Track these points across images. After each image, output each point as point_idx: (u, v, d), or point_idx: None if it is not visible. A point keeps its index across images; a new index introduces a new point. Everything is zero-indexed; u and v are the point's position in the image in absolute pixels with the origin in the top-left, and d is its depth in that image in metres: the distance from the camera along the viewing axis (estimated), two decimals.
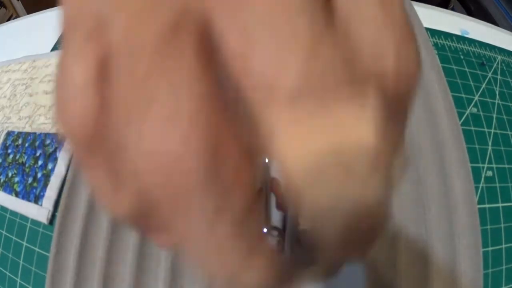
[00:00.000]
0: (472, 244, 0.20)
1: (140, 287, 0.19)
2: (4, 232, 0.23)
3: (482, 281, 0.20)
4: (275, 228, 0.19)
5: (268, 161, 0.20)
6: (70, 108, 0.08)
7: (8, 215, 0.24)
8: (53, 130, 0.26)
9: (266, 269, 0.08)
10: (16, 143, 0.26)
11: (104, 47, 0.07)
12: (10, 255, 0.22)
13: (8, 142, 0.27)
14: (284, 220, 0.20)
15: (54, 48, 0.32)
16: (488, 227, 0.23)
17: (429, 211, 0.21)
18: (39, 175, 0.24)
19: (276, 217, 0.19)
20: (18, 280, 0.22)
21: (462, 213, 0.21)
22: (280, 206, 0.20)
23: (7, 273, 0.22)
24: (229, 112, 0.07)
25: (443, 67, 0.29)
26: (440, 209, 0.21)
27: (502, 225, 0.23)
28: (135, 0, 0.07)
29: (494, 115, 0.28)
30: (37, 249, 0.22)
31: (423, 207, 0.21)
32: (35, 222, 0.23)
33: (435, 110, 0.25)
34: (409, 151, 0.23)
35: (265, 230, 0.19)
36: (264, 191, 0.20)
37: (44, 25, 0.34)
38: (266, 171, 0.20)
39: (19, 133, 0.27)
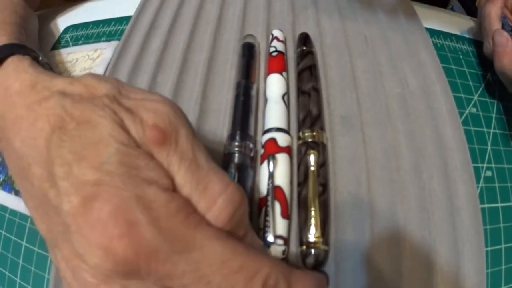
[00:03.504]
0: (475, 248, 0.21)
1: None
2: (3, 232, 0.23)
3: (485, 284, 0.20)
4: (280, 236, 0.19)
5: (273, 169, 0.20)
6: None
7: (7, 215, 0.24)
8: None
9: None
10: None
11: None
12: (10, 255, 0.22)
13: None
14: (289, 228, 0.20)
15: (53, 48, 0.32)
16: (488, 227, 0.23)
17: (433, 216, 0.21)
18: None
19: (280, 225, 0.19)
20: (18, 280, 0.21)
21: (465, 217, 0.21)
22: (284, 214, 0.20)
23: (7, 273, 0.22)
24: None
25: (442, 67, 0.29)
26: (443, 213, 0.21)
27: (502, 225, 0.23)
28: None
29: (493, 115, 0.28)
30: (36, 249, 0.22)
31: (427, 212, 0.21)
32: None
33: (437, 112, 0.25)
34: (413, 155, 0.23)
35: (271, 239, 0.19)
36: (268, 199, 0.20)
37: (44, 25, 0.33)
38: (270, 179, 0.20)
39: None
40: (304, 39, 0.27)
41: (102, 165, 0.12)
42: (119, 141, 0.13)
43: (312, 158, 0.21)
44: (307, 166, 0.21)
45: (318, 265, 0.19)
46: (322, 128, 0.23)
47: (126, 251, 0.11)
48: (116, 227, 0.11)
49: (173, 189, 0.13)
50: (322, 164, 0.21)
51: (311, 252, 0.19)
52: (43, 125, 0.14)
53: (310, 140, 0.22)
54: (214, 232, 0.13)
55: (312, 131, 0.22)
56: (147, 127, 0.14)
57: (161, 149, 0.13)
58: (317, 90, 0.24)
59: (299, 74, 0.25)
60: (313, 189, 0.20)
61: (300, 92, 0.24)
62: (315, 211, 0.19)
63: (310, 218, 0.19)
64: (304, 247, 0.19)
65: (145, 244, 0.12)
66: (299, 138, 0.22)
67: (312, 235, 0.19)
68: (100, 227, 0.12)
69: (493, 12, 0.28)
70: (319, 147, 0.22)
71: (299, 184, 0.21)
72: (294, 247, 0.20)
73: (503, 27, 0.27)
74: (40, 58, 0.22)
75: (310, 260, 0.19)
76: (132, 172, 0.13)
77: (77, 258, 0.12)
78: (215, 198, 0.13)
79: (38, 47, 0.29)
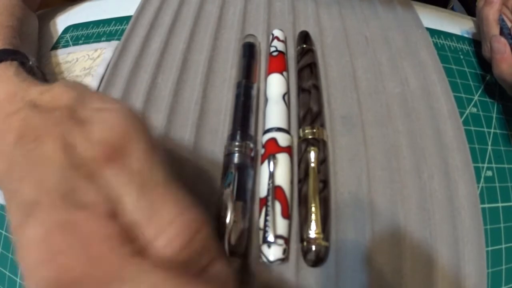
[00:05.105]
0: (475, 248, 0.21)
1: None
2: (3, 232, 0.23)
3: (486, 284, 0.20)
4: (281, 236, 0.19)
5: (273, 169, 0.20)
6: None
7: (7, 215, 0.24)
8: None
9: None
10: None
11: None
12: (10, 255, 0.22)
13: None
14: (289, 228, 0.20)
15: (53, 48, 0.32)
16: (488, 227, 0.23)
17: (434, 216, 0.21)
18: None
19: (281, 225, 0.19)
20: (18, 280, 0.21)
21: (465, 217, 0.21)
22: (285, 214, 0.20)
23: (7, 273, 0.22)
24: None
25: (443, 67, 0.29)
26: (444, 213, 0.21)
27: (502, 225, 0.23)
28: None
29: (494, 115, 0.28)
30: None
31: (428, 212, 0.21)
32: None
33: (437, 112, 0.25)
34: (414, 156, 0.23)
35: (271, 238, 0.19)
36: (269, 199, 0.20)
37: (44, 25, 0.33)
38: (271, 179, 0.20)
39: None
40: (304, 37, 0.27)
41: (42, 185, 0.12)
42: (62, 162, 0.12)
43: (312, 155, 0.21)
44: (307, 163, 0.21)
45: (319, 261, 0.19)
46: (322, 125, 0.23)
47: (49, 278, 0.11)
48: (42, 251, 0.11)
49: (115, 213, 0.12)
50: (323, 161, 0.21)
51: (311, 248, 0.19)
52: (10, 139, 0.13)
53: (310, 137, 0.22)
54: (151, 265, 0.11)
55: (312, 128, 0.22)
56: (95, 142, 0.12)
57: (108, 167, 0.12)
58: (317, 87, 0.24)
59: (299, 72, 0.25)
60: (313, 186, 0.20)
61: (300, 89, 0.24)
62: (315, 207, 0.19)
63: (311, 215, 0.19)
64: (304, 243, 0.19)
65: (70, 272, 0.11)
66: (299, 135, 0.22)
67: (313, 231, 0.19)
68: (30, 249, 0.11)
69: (491, 16, 0.28)
70: (320, 144, 0.22)
71: (299, 181, 0.21)
72: (294, 247, 0.20)
73: (501, 30, 0.27)
74: (30, 62, 0.21)
75: (311, 257, 0.19)
76: (69, 196, 0.12)
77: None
78: (165, 225, 0.12)
79: (36, 49, 0.29)
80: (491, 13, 0.28)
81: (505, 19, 0.28)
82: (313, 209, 0.19)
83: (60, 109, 0.13)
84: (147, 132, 0.13)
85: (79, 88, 0.15)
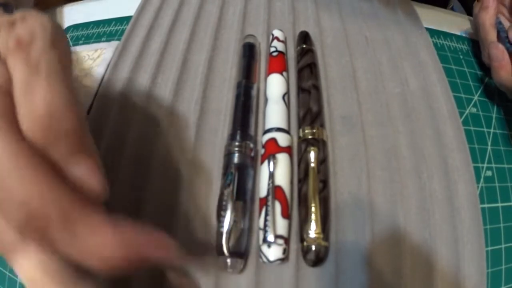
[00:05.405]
0: (475, 248, 0.21)
1: None
2: None
3: (486, 284, 0.20)
4: (281, 236, 0.19)
5: (273, 169, 0.20)
6: None
7: None
8: None
9: None
10: None
11: None
12: None
13: None
14: (289, 228, 0.20)
15: None
16: (488, 227, 0.23)
17: (433, 216, 0.21)
18: None
19: (281, 225, 0.19)
20: (18, 280, 0.21)
21: (465, 217, 0.21)
22: (285, 214, 0.20)
23: (7, 273, 0.22)
24: None
25: (443, 67, 0.29)
26: (444, 213, 0.21)
27: (502, 225, 0.23)
28: None
29: (494, 115, 0.28)
30: None
31: (428, 212, 0.21)
32: None
33: (437, 112, 0.25)
34: (414, 156, 0.23)
35: (271, 238, 0.19)
36: (269, 199, 0.20)
37: None
38: (271, 179, 0.20)
39: None
40: (304, 37, 0.27)
41: None
42: None
43: (312, 155, 0.21)
44: (307, 163, 0.21)
45: (318, 261, 0.19)
46: (322, 125, 0.23)
47: None
48: None
49: (8, 91, 0.13)
50: (323, 161, 0.21)
51: (311, 248, 0.19)
52: None
53: (310, 137, 0.22)
54: (12, 138, 0.12)
55: (312, 128, 0.22)
56: (12, 36, 0.14)
57: (14, 54, 0.14)
58: (317, 87, 0.24)
59: (299, 72, 0.25)
60: (313, 186, 0.20)
61: (300, 89, 0.25)
62: (315, 207, 0.19)
63: (311, 214, 0.19)
64: (304, 243, 0.19)
65: None
66: (299, 135, 0.23)
67: (313, 231, 0.19)
68: None
69: (487, 21, 0.28)
70: (319, 144, 0.22)
71: (299, 181, 0.21)
72: (294, 247, 0.20)
73: (498, 34, 0.27)
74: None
75: (311, 257, 0.19)
76: None
77: None
78: (33, 107, 0.12)
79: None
80: (487, 18, 0.28)
81: (502, 20, 0.28)
82: (313, 209, 0.19)
83: (4, 20, 0.15)
84: (57, 41, 0.15)
85: (29, 12, 0.16)
